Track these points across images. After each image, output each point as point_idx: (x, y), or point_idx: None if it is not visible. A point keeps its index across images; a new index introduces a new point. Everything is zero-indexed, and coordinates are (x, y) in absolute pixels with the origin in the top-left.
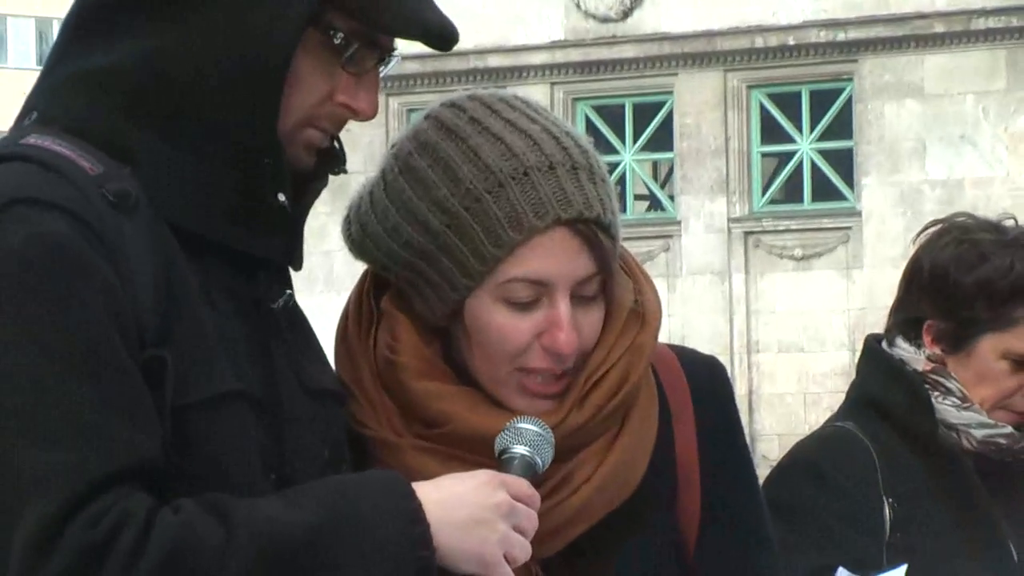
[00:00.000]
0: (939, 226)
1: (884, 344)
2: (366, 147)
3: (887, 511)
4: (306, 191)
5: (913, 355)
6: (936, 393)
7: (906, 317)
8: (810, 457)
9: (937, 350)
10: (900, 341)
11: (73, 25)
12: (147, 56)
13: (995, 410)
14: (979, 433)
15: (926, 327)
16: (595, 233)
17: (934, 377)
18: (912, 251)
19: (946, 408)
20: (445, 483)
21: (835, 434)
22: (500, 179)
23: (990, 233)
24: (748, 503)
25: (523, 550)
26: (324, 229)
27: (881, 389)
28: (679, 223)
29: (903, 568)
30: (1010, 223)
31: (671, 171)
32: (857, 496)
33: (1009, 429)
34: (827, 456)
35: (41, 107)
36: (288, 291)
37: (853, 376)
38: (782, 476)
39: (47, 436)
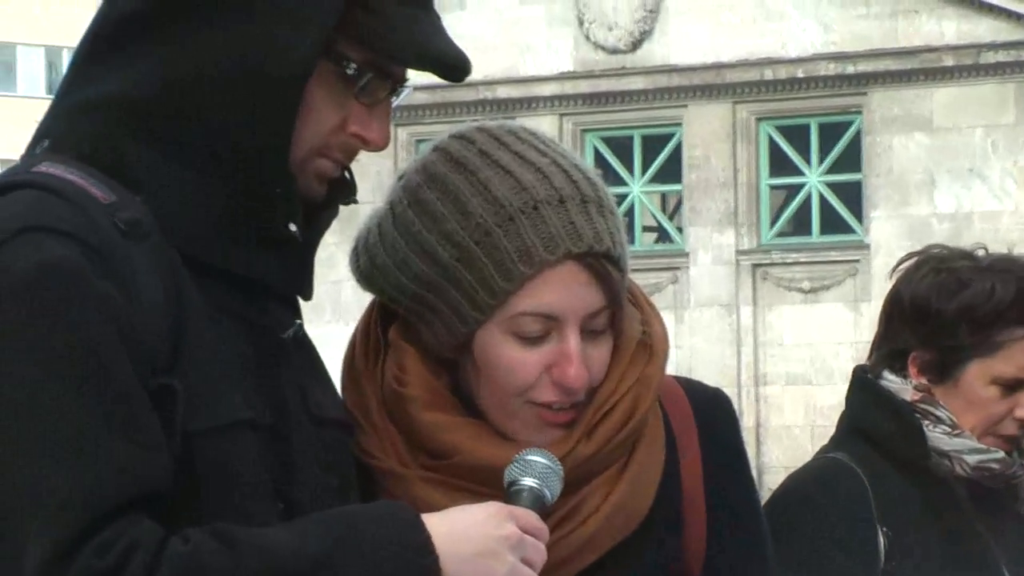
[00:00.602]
0: (915, 259)
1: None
2: (374, 176)
3: (881, 540)
4: (317, 221)
5: (901, 386)
6: (926, 421)
7: (890, 350)
8: (803, 486)
9: (924, 381)
10: (887, 374)
11: (87, 51)
12: (163, 77)
13: (983, 437)
14: (972, 459)
15: (911, 359)
16: (605, 267)
17: (923, 406)
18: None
19: (937, 436)
20: (453, 515)
21: (827, 464)
22: (510, 213)
23: (967, 260)
24: (753, 532)
25: None
26: (332, 259)
27: (872, 418)
28: (687, 255)
29: None
30: (982, 252)
31: (679, 203)
32: (851, 524)
33: (1001, 454)
34: (820, 485)
35: (54, 134)
36: (298, 321)
37: None
38: (776, 505)
39: (59, 458)
